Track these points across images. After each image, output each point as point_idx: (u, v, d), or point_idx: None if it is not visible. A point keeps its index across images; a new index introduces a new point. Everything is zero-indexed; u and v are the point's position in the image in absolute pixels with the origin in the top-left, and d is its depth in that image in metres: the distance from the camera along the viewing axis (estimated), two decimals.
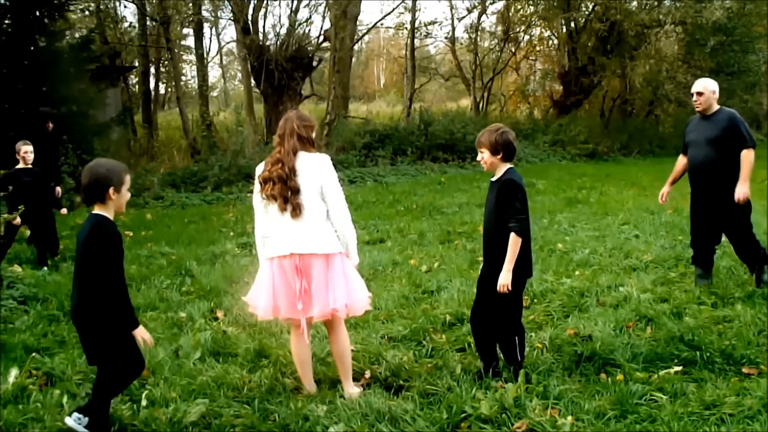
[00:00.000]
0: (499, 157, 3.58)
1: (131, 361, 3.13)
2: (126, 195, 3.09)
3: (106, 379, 3.11)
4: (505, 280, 3.50)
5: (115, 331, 3.05)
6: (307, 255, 3.46)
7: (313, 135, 3.63)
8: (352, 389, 3.62)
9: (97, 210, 3.05)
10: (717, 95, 5.16)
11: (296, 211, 3.45)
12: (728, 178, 4.99)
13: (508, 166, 3.62)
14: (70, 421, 3.04)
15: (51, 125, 7.53)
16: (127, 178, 3.09)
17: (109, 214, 3.05)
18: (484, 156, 3.62)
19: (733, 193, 4.95)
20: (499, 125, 3.68)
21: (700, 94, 5.13)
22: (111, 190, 3.00)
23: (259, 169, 3.61)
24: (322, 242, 3.49)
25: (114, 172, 3.04)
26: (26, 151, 6.57)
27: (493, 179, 3.65)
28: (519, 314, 3.74)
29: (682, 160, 5.40)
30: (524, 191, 3.57)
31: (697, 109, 5.22)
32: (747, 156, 4.95)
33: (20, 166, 6.58)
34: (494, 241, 3.60)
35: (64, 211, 7.20)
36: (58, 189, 7.56)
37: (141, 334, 3.09)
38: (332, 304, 3.49)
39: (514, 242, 3.48)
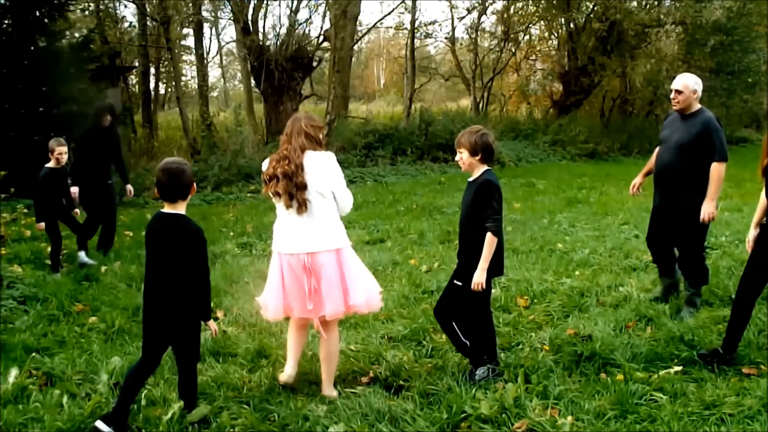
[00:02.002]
0: (477, 158, 3.61)
1: (197, 352, 3.35)
2: (189, 199, 3.26)
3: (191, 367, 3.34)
4: (479, 278, 3.53)
5: (195, 321, 3.26)
6: (317, 253, 3.48)
7: (321, 136, 3.65)
8: (331, 392, 3.63)
9: (170, 208, 3.18)
10: (698, 95, 4.75)
11: (302, 207, 3.47)
12: (691, 188, 4.63)
13: (486, 167, 3.65)
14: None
15: (109, 118, 7.11)
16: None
17: (184, 211, 3.20)
18: (462, 156, 3.64)
19: (692, 204, 4.61)
20: (479, 127, 3.71)
21: (679, 92, 4.72)
22: (194, 186, 3.22)
23: (265, 166, 3.64)
24: (331, 238, 3.53)
25: (191, 169, 3.22)
26: (60, 152, 6.24)
27: (471, 179, 3.68)
28: (487, 309, 3.77)
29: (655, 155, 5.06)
30: (500, 192, 3.60)
31: (674, 108, 4.83)
32: (717, 170, 4.54)
33: (52, 165, 6.26)
34: (469, 240, 3.62)
35: (77, 211, 6.69)
36: (130, 188, 7.47)
37: (212, 325, 3.35)
38: (352, 301, 3.53)
39: (490, 242, 3.52)
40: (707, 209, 4.58)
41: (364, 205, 10.48)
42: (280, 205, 3.57)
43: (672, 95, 4.80)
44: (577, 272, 5.93)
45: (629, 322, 4.54)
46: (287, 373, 3.74)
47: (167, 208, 3.20)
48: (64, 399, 3.49)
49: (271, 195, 3.56)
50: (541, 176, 13.38)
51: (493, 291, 5.31)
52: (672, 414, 3.21)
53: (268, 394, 3.64)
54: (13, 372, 3.76)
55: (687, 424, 3.17)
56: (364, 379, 3.80)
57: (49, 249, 6.67)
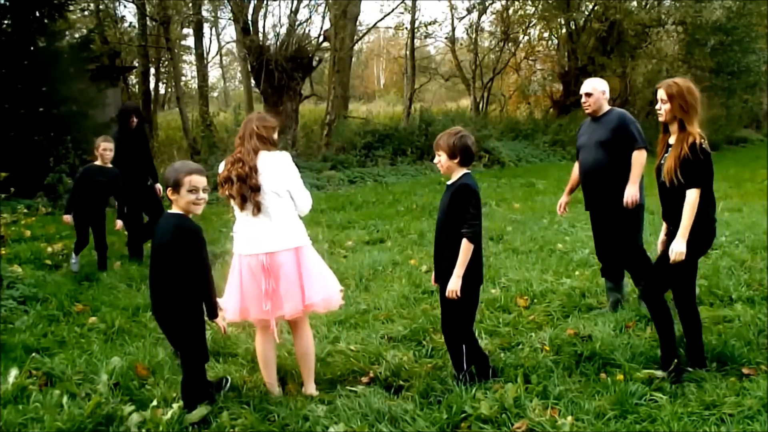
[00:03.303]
0: (456, 161, 3.52)
1: (201, 351, 3.35)
2: (186, 196, 3.21)
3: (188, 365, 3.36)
4: (454, 285, 3.45)
5: (196, 320, 3.27)
6: (275, 252, 3.50)
7: (275, 135, 3.64)
8: (312, 391, 3.65)
9: (175, 208, 3.26)
10: (607, 96, 4.85)
11: (256, 209, 3.50)
12: (620, 182, 4.60)
13: (465, 171, 3.56)
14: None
15: (135, 120, 6.82)
16: (187, 180, 3.20)
17: (183, 212, 3.25)
18: (441, 159, 3.55)
19: (621, 199, 4.57)
20: (459, 129, 3.61)
21: (588, 95, 4.77)
22: (169, 191, 3.22)
23: (221, 168, 3.66)
24: (289, 237, 3.54)
25: (172, 174, 3.22)
26: (105, 148, 6.03)
27: (449, 183, 3.60)
28: (469, 322, 3.68)
29: (577, 167, 5.00)
30: (478, 197, 3.50)
31: (586, 111, 4.87)
32: (638, 157, 4.59)
33: (98, 163, 6.14)
34: (445, 245, 3.54)
35: (120, 224, 6.37)
36: (159, 187, 7.00)
37: (221, 322, 3.34)
38: (308, 300, 3.52)
39: (466, 248, 3.43)
40: (629, 192, 4.55)
41: (364, 205, 10.49)
42: (236, 208, 3.59)
43: (582, 99, 4.84)
44: (577, 272, 5.93)
45: (629, 322, 4.54)
46: (272, 392, 3.68)
47: (173, 208, 3.28)
48: (64, 399, 3.48)
49: (226, 197, 3.59)
50: (541, 176, 13.38)
51: (493, 291, 5.34)
52: (672, 414, 3.21)
53: (268, 394, 3.64)
54: (13, 372, 3.76)
55: (687, 424, 3.16)
56: (364, 379, 3.80)
57: (49, 249, 6.68)
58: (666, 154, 3.70)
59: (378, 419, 3.26)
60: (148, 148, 7.21)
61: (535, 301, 5.16)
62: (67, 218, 6.16)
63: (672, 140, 3.70)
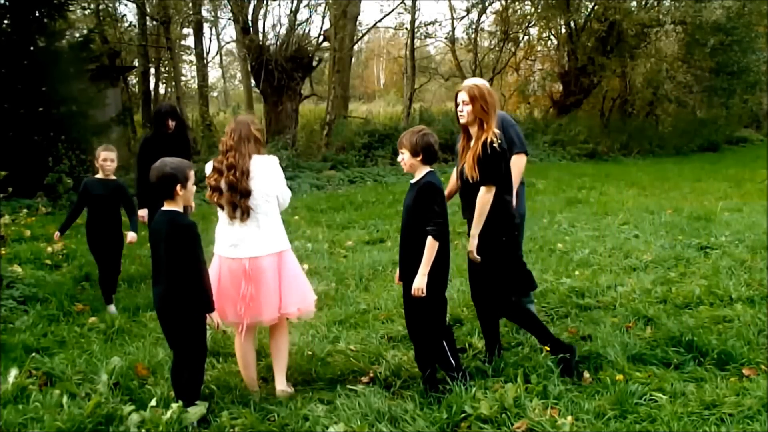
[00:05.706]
0: (419, 159, 3.54)
1: (200, 346, 3.37)
2: (191, 189, 3.34)
3: (184, 364, 3.35)
4: (419, 283, 3.44)
5: (195, 316, 3.31)
6: (260, 257, 3.52)
7: (264, 139, 3.70)
8: (283, 387, 3.66)
9: (167, 206, 3.30)
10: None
11: (245, 215, 3.51)
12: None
13: (428, 169, 3.58)
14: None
15: (172, 123, 6.04)
16: (191, 174, 3.33)
17: (179, 208, 3.30)
18: (404, 157, 3.58)
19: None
20: (422, 127, 3.65)
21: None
22: (178, 187, 3.26)
23: (208, 169, 3.63)
24: (273, 241, 3.57)
25: (179, 170, 3.28)
26: (105, 158, 5.23)
27: (413, 181, 3.61)
28: (442, 318, 3.68)
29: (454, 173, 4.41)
30: (443, 195, 3.54)
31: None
32: (517, 162, 4.23)
33: (99, 176, 5.33)
34: (410, 244, 3.54)
35: (132, 236, 5.33)
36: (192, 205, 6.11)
37: (216, 317, 3.35)
38: (284, 309, 3.55)
39: (430, 246, 3.43)
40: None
41: (364, 205, 10.48)
42: (222, 213, 3.60)
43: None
44: (577, 272, 5.92)
45: (629, 322, 4.54)
46: (254, 389, 3.68)
47: (165, 206, 3.31)
48: (64, 399, 3.48)
49: (215, 204, 3.60)
50: (541, 176, 13.37)
51: None
52: (672, 414, 3.21)
53: (268, 394, 3.64)
54: (13, 372, 3.76)
55: (687, 424, 3.16)
56: (364, 379, 3.80)
57: (49, 249, 6.66)
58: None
59: (378, 419, 3.27)
60: (189, 154, 6.15)
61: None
62: (57, 236, 5.40)
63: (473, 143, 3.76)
